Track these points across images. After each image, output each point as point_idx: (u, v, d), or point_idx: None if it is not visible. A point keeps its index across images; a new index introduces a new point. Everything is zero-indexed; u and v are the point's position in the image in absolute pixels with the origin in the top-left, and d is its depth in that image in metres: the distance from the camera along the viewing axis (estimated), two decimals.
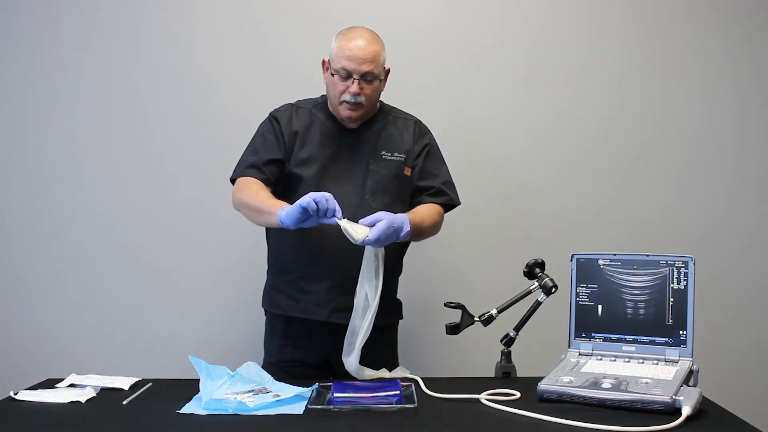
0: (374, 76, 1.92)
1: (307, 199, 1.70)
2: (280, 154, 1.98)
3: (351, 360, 1.79)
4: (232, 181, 2.01)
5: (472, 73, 2.62)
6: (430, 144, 2.09)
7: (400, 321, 2.15)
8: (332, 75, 1.93)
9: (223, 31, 2.60)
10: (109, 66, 2.59)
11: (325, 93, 2.04)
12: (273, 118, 2.03)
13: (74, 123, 2.60)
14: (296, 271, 1.98)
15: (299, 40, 2.56)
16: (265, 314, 2.12)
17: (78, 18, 2.58)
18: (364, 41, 1.90)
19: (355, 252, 1.82)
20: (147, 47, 2.59)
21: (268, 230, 2.08)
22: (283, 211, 1.76)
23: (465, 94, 2.62)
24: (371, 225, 1.74)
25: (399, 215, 1.82)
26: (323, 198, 1.70)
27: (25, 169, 2.60)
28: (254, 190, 1.91)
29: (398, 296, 2.13)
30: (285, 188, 1.99)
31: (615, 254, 1.76)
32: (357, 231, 1.73)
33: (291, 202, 1.80)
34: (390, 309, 2.04)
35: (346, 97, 1.92)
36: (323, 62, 1.99)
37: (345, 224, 1.72)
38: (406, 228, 1.81)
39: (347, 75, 1.90)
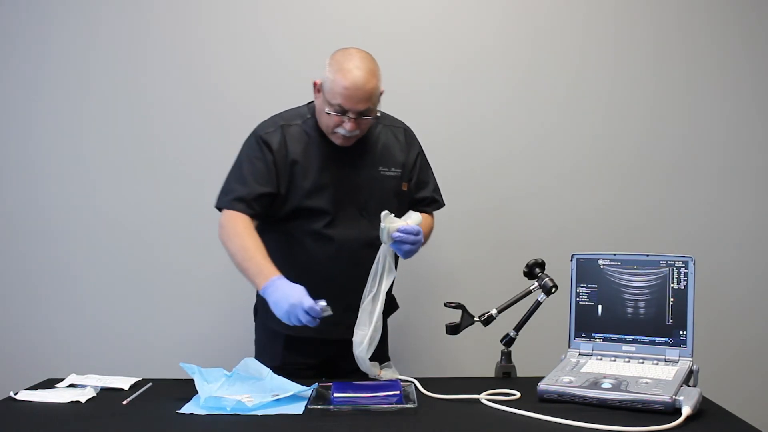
0: (370, 111, 1.83)
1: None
2: (273, 187, 1.87)
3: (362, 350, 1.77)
4: (218, 208, 1.92)
5: (470, 75, 2.61)
6: (420, 152, 2.06)
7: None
8: (325, 106, 1.82)
9: (231, 32, 2.59)
10: (116, 65, 2.58)
11: (311, 101, 1.96)
12: (262, 142, 1.89)
13: (76, 123, 2.59)
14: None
15: (304, 41, 2.56)
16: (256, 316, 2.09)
17: (84, 18, 2.58)
18: (362, 79, 1.76)
19: (362, 272, 1.80)
20: (153, 47, 2.58)
21: (267, 249, 1.93)
22: (268, 291, 1.73)
23: (465, 95, 2.61)
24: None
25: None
26: (308, 320, 1.68)
27: (27, 168, 2.60)
28: (241, 238, 1.82)
29: (395, 294, 2.10)
30: (295, 216, 1.90)
31: (615, 254, 1.76)
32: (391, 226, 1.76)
33: (306, 233, 1.87)
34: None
35: (341, 131, 1.83)
36: (315, 84, 1.86)
37: (385, 224, 1.76)
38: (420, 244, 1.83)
39: (343, 111, 1.79)
